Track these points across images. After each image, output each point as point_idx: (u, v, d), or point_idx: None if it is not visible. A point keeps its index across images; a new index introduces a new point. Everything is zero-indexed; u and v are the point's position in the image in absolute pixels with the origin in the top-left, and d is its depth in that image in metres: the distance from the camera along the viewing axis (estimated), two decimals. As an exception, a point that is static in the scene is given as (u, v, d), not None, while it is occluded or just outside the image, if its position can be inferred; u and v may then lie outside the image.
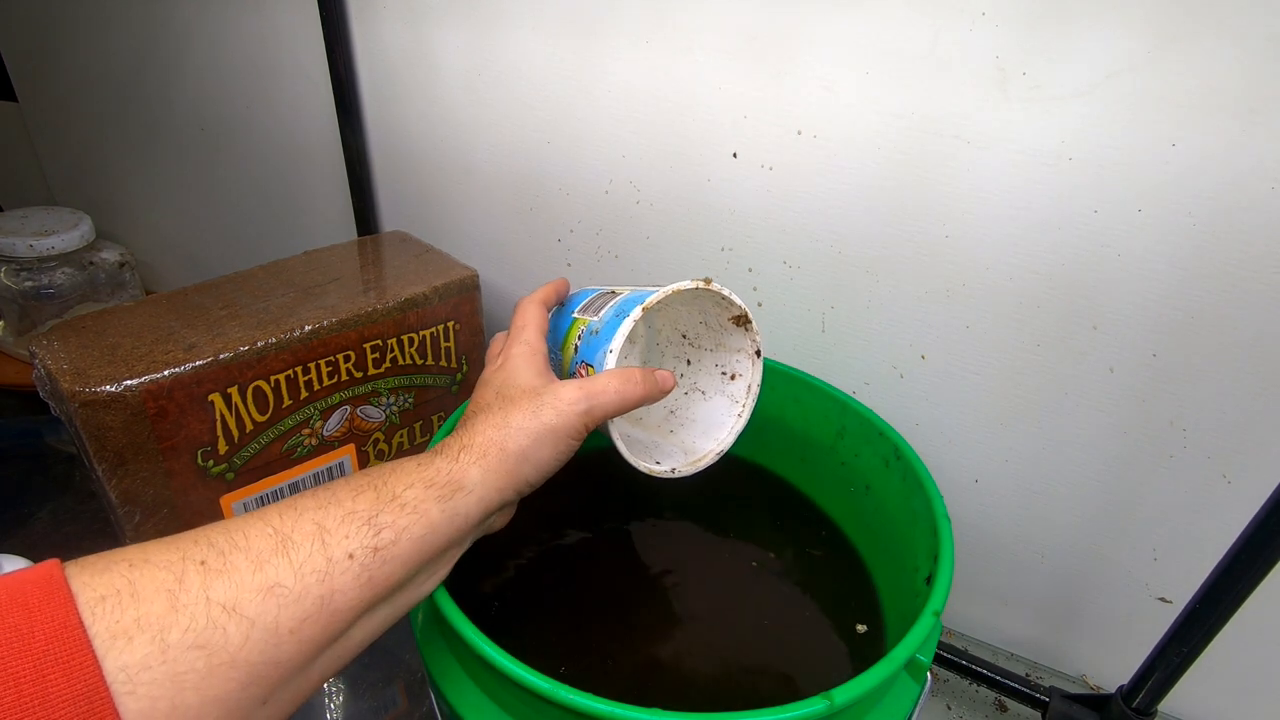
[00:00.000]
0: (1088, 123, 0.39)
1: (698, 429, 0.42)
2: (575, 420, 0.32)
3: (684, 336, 0.43)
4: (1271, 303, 0.38)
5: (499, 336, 0.41)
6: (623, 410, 0.33)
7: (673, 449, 0.41)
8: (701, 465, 0.39)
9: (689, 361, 0.43)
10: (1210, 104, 0.36)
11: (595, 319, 0.37)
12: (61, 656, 0.19)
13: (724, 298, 0.37)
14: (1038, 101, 0.39)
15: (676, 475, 0.38)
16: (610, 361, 0.34)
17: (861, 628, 0.40)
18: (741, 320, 0.39)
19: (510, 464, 0.30)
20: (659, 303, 0.35)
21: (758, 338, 0.39)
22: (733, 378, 0.41)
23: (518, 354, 0.35)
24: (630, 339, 0.44)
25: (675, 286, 0.35)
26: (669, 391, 0.36)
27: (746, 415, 0.40)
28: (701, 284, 0.36)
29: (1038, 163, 0.40)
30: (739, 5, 0.46)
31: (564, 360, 0.39)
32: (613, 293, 0.39)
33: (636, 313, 0.35)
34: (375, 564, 0.26)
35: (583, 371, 0.36)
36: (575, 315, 0.39)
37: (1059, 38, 0.38)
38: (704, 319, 0.41)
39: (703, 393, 0.42)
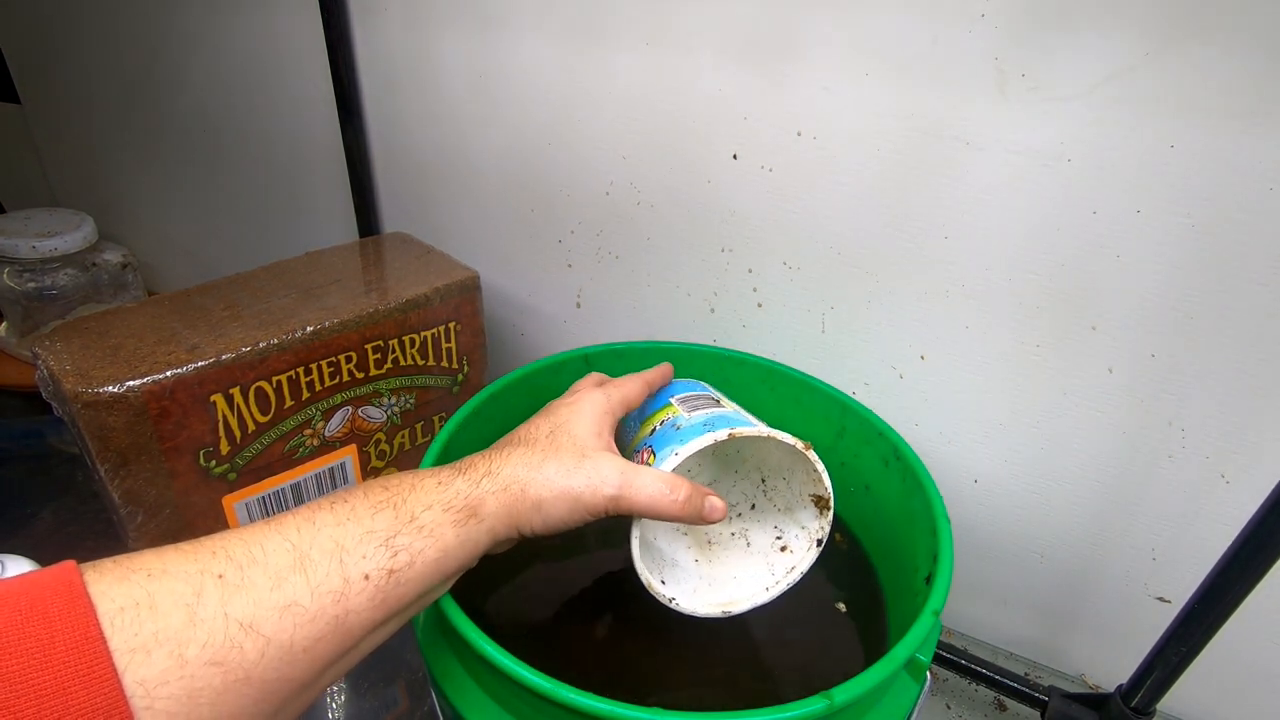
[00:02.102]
0: (1087, 124, 0.39)
1: (722, 575, 0.38)
2: (599, 500, 0.31)
3: (763, 480, 0.40)
4: (1270, 303, 0.38)
5: (595, 376, 0.41)
6: (652, 516, 0.32)
7: (687, 577, 0.37)
8: (700, 613, 0.35)
9: (753, 506, 0.40)
10: (1209, 105, 0.36)
11: (685, 415, 0.36)
12: (82, 669, 0.19)
13: (815, 471, 0.35)
14: (1037, 103, 0.39)
15: (672, 606, 0.35)
16: (671, 464, 0.33)
17: (841, 606, 0.40)
18: (821, 502, 0.36)
19: (524, 508, 0.30)
20: (749, 437, 0.34)
21: (826, 527, 0.36)
22: (784, 549, 0.38)
23: (592, 402, 0.35)
24: (715, 449, 0.41)
25: (772, 432, 0.34)
26: (713, 522, 0.33)
27: (774, 595, 0.36)
28: (800, 446, 0.34)
29: (1037, 164, 0.41)
30: (739, 7, 0.46)
31: (638, 435, 0.38)
32: (717, 401, 0.39)
33: (722, 434, 0.33)
34: (390, 586, 0.26)
35: (645, 456, 0.35)
36: (671, 400, 0.38)
37: (1058, 39, 0.38)
38: (788, 477, 0.39)
39: (748, 544, 0.39)
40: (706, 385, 0.42)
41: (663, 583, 0.35)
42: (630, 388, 0.38)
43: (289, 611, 0.23)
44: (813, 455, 0.34)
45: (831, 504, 0.36)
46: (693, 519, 0.32)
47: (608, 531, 0.45)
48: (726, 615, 0.36)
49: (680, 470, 0.33)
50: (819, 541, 0.37)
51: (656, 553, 0.38)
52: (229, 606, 0.22)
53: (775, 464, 0.40)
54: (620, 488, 0.31)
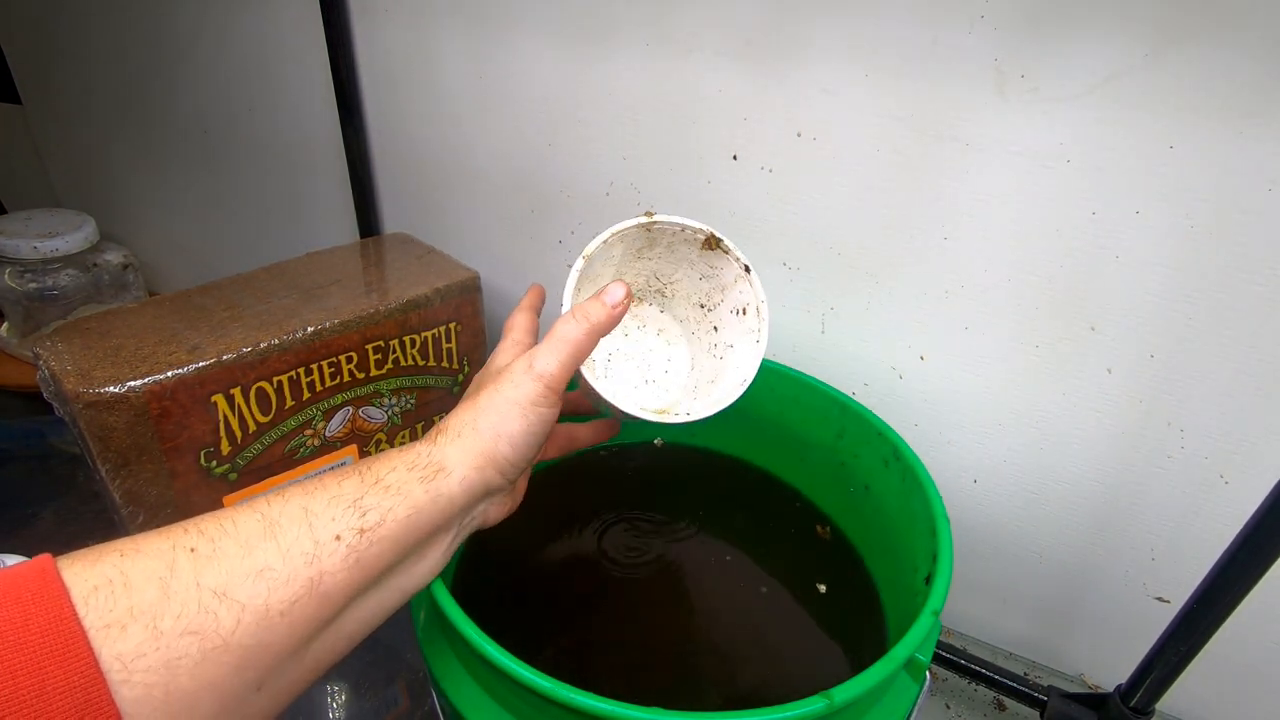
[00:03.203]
0: (1086, 125, 0.39)
1: (731, 377, 0.39)
2: (529, 385, 0.31)
3: (701, 306, 0.41)
4: (1269, 304, 0.38)
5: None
6: (575, 355, 0.32)
7: (696, 380, 0.39)
8: (725, 405, 0.36)
9: (715, 328, 0.41)
10: (1208, 106, 0.36)
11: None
12: (57, 648, 0.20)
13: (683, 228, 0.35)
14: (1036, 103, 0.40)
15: (693, 418, 0.35)
16: (566, 309, 0.34)
17: (821, 587, 0.41)
18: (712, 242, 0.36)
19: (484, 442, 0.30)
20: (601, 247, 0.35)
21: (739, 254, 0.37)
22: (743, 312, 0.38)
23: (501, 347, 0.36)
24: (657, 330, 0.43)
25: (616, 227, 0.34)
26: (618, 305, 0.34)
27: (764, 337, 0.37)
28: (644, 218, 0.34)
29: (1036, 165, 0.41)
30: (739, 8, 0.46)
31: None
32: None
33: (579, 262, 0.34)
34: (362, 545, 0.26)
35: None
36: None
37: (1057, 40, 0.38)
38: (701, 274, 0.39)
39: (731, 345, 0.40)
40: None
41: (680, 414, 0.35)
42: (516, 323, 0.38)
43: (262, 577, 0.24)
44: (660, 216, 0.35)
45: (720, 235, 0.36)
46: (603, 320, 0.33)
47: (610, 529, 0.45)
48: (745, 386, 0.36)
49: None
50: (746, 268, 0.37)
51: (654, 387, 0.39)
52: (202, 577, 0.23)
53: (691, 284, 0.40)
54: (540, 363, 0.32)
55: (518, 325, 0.38)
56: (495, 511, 0.33)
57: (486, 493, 0.31)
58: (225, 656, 0.22)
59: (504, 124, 0.60)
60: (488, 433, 0.30)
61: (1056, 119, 0.39)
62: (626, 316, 0.42)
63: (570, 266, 0.35)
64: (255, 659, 0.23)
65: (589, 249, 0.35)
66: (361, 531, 0.26)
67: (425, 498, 0.28)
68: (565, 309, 0.34)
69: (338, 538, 0.25)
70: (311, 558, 0.25)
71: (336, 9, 0.62)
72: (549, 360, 0.32)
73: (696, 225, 0.36)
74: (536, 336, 0.38)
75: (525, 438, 0.31)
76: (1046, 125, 0.40)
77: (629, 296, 0.34)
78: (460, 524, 0.31)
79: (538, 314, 0.40)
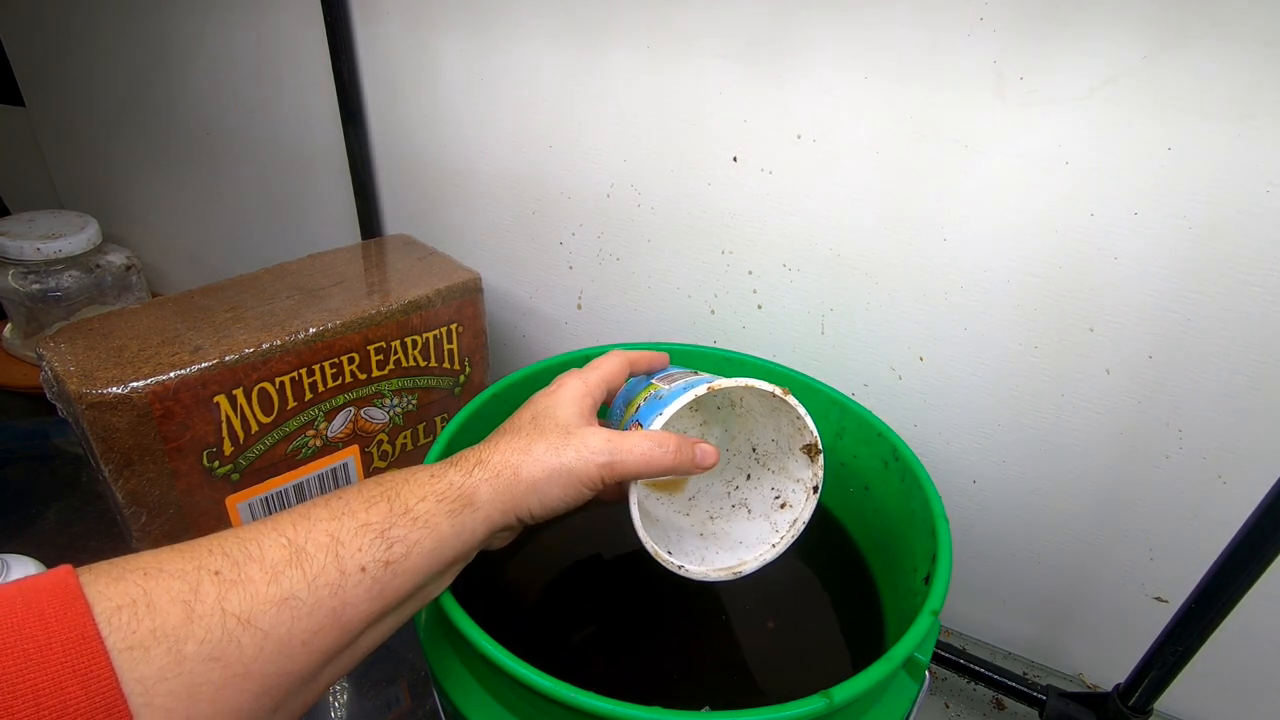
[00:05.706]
0: (1085, 126, 0.39)
1: (729, 542, 0.39)
2: (593, 470, 0.31)
3: (754, 449, 0.41)
4: (1267, 305, 0.38)
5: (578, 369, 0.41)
6: (647, 474, 0.32)
7: (694, 547, 0.38)
8: (710, 578, 0.36)
9: (749, 476, 0.41)
10: (1206, 108, 0.36)
11: (666, 387, 0.37)
12: (79, 668, 0.19)
13: (799, 419, 0.36)
14: (1035, 105, 0.40)
15: (681, 574, 0.35)
16: (657, 425, 0.33)
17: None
18: (811, 450, 0.37)
19: (519, 491, 0.30)
20: (727, 389, 0.34)
21: (820, 472, 0.37)
22: (783, 506, 0.39)
23: (570, 387, 0.35)
24: (704, 432, 0.43)
25: (749, 381, 0.34)
26: (707, 467, 0.34)
27: (780, 550, 0.37)
28: (778, 392, 0.34)
29: (1035, 166, 0.41)
30: (740, 10, 0.46)
31: (625, 417, 0.38)
32: (695, 373, 0.39)
33: (701, 389, 0.34)
34: (386, 577, 0.26)
35: (634, 430, 0.35)
36: (653, 380, 0.39)
37: (1056, 42, 0.38)
38: (776, 437, 0.39)
39: (749, 510, 0.40)
40: (688, 369, 0.42)
41: (669, 553, 0.35)
42: (609, 365, 0.38)
43: (286, 605, 0.23)
44: (792, 400, 0.35)
45: (820, 448, 0.37)
46: (687, 467, 0.33)
47: (611, 528, 0.45)
48: (738, 576, 0.36)
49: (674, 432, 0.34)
50: (815, 489, 0.37)
51: (661, 528, 0.39)
52: (226, 602, 0.22)
53: (762, 431, 0.40)
54: (611, 454, 0.31)
55: (603, 369, 0.37)
56: (501, 540, 0.33)
57: (503, 529, 0.31)
58: (246, 684, 0.22)
59: (505, 126, 0.60)
60: (525, 483, 0.30)
61: (1055, 120, 0.39)
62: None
63: (689, 385, 0.34)
64: (274, 686, 0.23)
65: (719, 383, 0.34)
66: (387, 564, 0.26)
67: (450, 531, 0.28)
68: (665, 416, 0.33)
69: (363, 569, 0.25)
70: (337, 588, 0.25)
71: (338, 12, 0.62)
72: (627, 464, 0.31)
73: (812, 427, 0.36)
74: (610, 392, 0.38)
75: (558, 504, 0.31)
76: (1045, 126, 0.40)
77: (715, 464, 0.34)
78: (475, 552, 0.31)
79: (634, 374, 0.40)
